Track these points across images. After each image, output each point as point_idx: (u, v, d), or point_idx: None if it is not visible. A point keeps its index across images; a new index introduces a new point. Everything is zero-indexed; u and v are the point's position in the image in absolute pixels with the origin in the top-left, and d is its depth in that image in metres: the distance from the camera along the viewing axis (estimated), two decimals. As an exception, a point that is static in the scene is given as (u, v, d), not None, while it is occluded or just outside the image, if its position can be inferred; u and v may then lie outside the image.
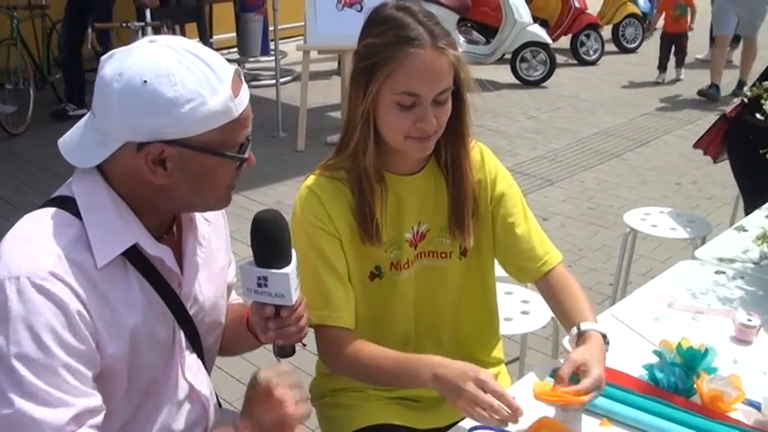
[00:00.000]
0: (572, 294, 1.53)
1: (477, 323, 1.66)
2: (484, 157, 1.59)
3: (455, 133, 1.48)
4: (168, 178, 1.13)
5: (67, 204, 1.15)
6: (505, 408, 1.21)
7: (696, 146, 3.22)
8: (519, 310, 2.25)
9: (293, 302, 1.23)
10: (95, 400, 1.09)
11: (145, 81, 1.07)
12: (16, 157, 5.19)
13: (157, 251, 1.19)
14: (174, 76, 1.07)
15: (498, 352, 1.74)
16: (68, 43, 6.04)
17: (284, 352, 1.30)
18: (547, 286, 1.58)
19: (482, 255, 1.61)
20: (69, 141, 1.17)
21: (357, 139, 1.43)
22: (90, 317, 1.10)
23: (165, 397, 1.27)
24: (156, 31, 5.85)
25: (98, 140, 1.13)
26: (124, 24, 5.54)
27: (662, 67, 7.63)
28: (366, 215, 1.46)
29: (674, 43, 7.50)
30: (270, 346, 1.35)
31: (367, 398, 1.61)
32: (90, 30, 5.70)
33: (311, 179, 1.50)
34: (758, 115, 1.83)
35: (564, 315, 1.51)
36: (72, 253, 1.10)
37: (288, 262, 1.22)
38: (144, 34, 5.63)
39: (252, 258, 1.23)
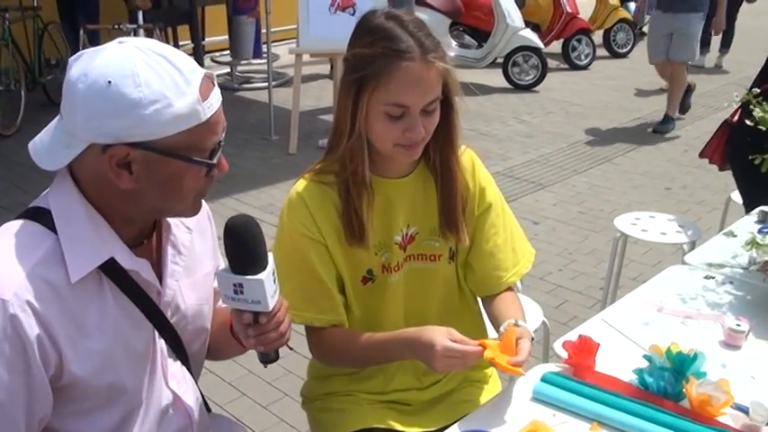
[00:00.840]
0: (507, 304, 1.59)
1: (466, 326, 1.67)
2: (475, 165, 1.61)
3: (444, 138, 1.50)
4: (134, 183, 1.11)
5: (42, 216, 1.14)
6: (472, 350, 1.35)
7: (702, 155, 3.17)
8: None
9: (270, 309, 1.20)
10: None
11: (109, 82, 1.05)
12: (6, 158, 5.17)
13: (133, 264, 1.18)
14: (138, 77, 1.05)
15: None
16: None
17: (267, 358, 1.28)
18: (487, 304, 1.63)
19: (458, 256, 1.63)
20: (39, 144, 1.14)
21: (345, 146, 1.44)
22: (51, 341, 1.09)
23: (149, 407, 1.26)
24: (149, 33, 5.85)
25: (65, 142, 1.10)
26: (116, 26, 5.54)
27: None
28: (352, 219, 1.47)
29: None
30: (262, 367, 1.33)
31: (358, 401, 1.62)
32: (81, 31, 5.69)
33: (300, 184, 1.52)
34: (748, 122, 1.85)
35: (494, 317, 1.58)
36: (43, 270, 1.09)
37: (263, 267, 1.18)
38: (136, 36, 5.63)
39: (227, 265, 1.19)
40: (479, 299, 1.68)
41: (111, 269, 1.15)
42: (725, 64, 8.55)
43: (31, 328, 1.06)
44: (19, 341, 1.06)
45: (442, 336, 1.37)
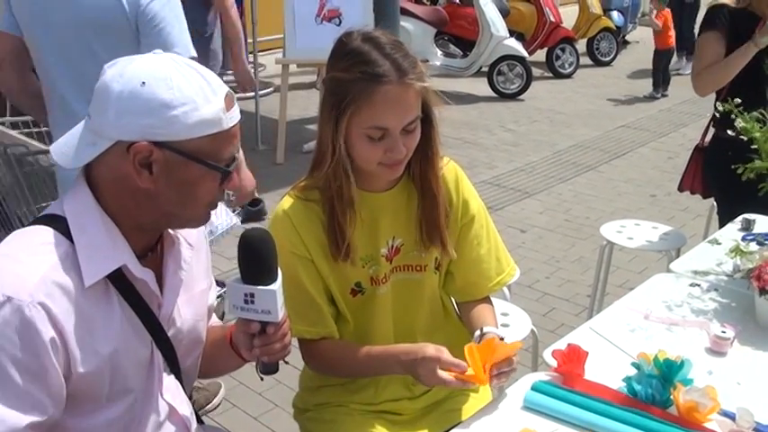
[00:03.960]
0: (481, 310, 1.66)
1: (454, 336, 1.69)
2: (458, 177, 1.64)
3: (424, 152, 1.52)
4: (153, 183, 1.15)
5: (57, 223, 1.17)
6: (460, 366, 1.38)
7: (681, 188, 3.12)
8: (499, 322, 2.26)
9: (279, 319, 1.25)
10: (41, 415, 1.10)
11: (143, 83, 1.11)
12: None
13: (142, 274, 1.20)
14: (171, 80, 1.12)
15: None
16: None
17: (268, 369, 1.31)
18: (463, 308, 1.70)
19: (442, 266, 1.66)
20: (63, 144, 1.20)
21: (328, 166, 1.46)
22: (63, 342, 1.11)
23: (147, 418, 1.27)
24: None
25: (90, 140, 1.15)
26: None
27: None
28: (336, 234, 1.49)
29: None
30: (252, 365, 1.35)
31: (350, 412, 1.62)
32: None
33: (285, 201, 1.54)
34: (729, 132, 1.88)
35: (469, 323, 1.65)
36: (57, 274, 1.11)
37: (274, 279, 1.23)
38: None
39: (239, 275, 1.23)
40: (455, 303, 1.73)
41: (118, 279, 1.18)
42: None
43: (46, 330, 1.08)
44: (33, 343, 1.08)
45: (432, 349, 1.42)
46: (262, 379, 1.33)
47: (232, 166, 1.21)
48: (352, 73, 1.38)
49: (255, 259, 1.23)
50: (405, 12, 6.92)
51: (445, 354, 1.41)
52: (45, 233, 1.16)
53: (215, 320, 1.55)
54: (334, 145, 1.43)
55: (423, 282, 1.62)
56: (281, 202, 1.54)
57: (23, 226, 1.21)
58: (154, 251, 1.27)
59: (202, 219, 1.26)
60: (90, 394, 1.18)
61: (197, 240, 1.37)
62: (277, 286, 1.23)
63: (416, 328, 1.65)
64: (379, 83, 1.37)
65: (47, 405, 1.11)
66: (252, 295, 1.22)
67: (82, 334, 1.13)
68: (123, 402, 1.23)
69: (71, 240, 1.15)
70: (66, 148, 1.18)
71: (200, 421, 1.52)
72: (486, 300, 1.70)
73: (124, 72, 1.13)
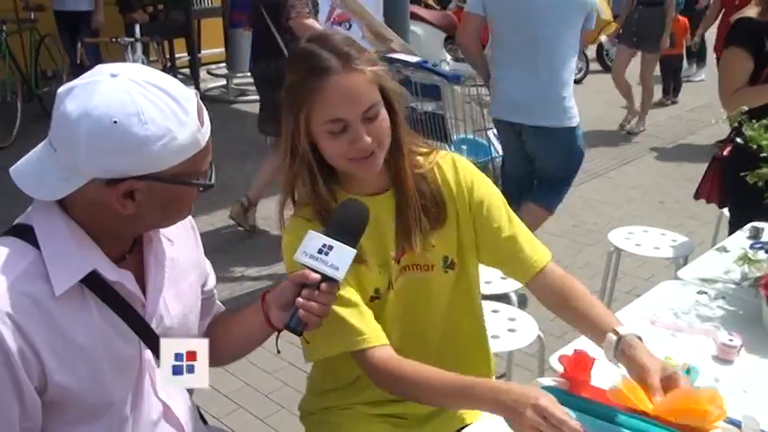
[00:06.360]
0: (582, 297, 1.52)
1: (464, 339, 1.67)
2: (456, 165, 1.58)
3: (393, 144, 1.47)
4: (137, 208, 1.14)
5: (25, 233, 1.16)
6: None
7: (697, 197, 3.12)
8: (506, 327, 2.28)
9: (341, 278, 1.30)
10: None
11: (115, 121, 1.06)
12: (3, 170, 5.16)
13: (117, 276, 1.20)
14: (143, 114, 1.07)
15: (487, 369, 1.74)
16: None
17: (296, 327, 1.30)
18: (540, 286, 1.57)
19: (467, 267, 1.61)
20: (27, 172, 1.16)
21: (290, 166, 1.45)
22: (34, 352, 1.11)
23: (139, 418, 1.27)
24: (146, 46, 5.87)
25: (62, 175, 1.11)
26: (114, 40, 5.56)
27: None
28: None
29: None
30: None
31: (356, 415, 1.63)
32: (79, 44, 5.72)
33: (292, 228, 1.50)
34: (738, 140, 1.88)
35: (583, 320, 1.49)
36: (25, 284, 1.11)
37: (354, 247, 1.30)
38: (133, 50, 5.65)
39: (324, 230, 1.32)
40: (547, 302, 1.58)
41: (93, 282, 1.17)
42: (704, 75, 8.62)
43: (12, 341, 1.08)
44: (2, 353, 1.08)
45: (547, 399, 1.23)
46: (278, 351, 1.37)
47: (211, 173, 1.21)
48: (299, 73, 1.38)
49: (351, 218, 1.32)
50: (414, 16, 6.92)
51: (558, 410, 1.20)
52: (12, 243, 1.15)
53: (220, 307, 1.57)
54: (294, 144, 1.41)
55: (430, 282, 1.57)
56: (287, 231, 1.50)
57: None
58: (132, 251, 1.27)
59: (185, 216, 1.29)
60: (71, 400, 1.18)
61: (177, 236, 1.35)
62: (355, 252, 1.29)
63: (425, 331, 1.61)
64: (322, 74, 1.35)
65: (16, 415, 1.11)
66: (330, 248, 1.28)
67: (55, 342, 1.13)
68: (106, 418, 1.22)
69: (39, 249, 1.14)
70: (33, 178, 1.15)
71: (204, 422, 1.53)
72: (564, 279, 1.56)
73: (88, 108, 1.06)
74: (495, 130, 4.15)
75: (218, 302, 1.57)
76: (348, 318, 1.44)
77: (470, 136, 4.42)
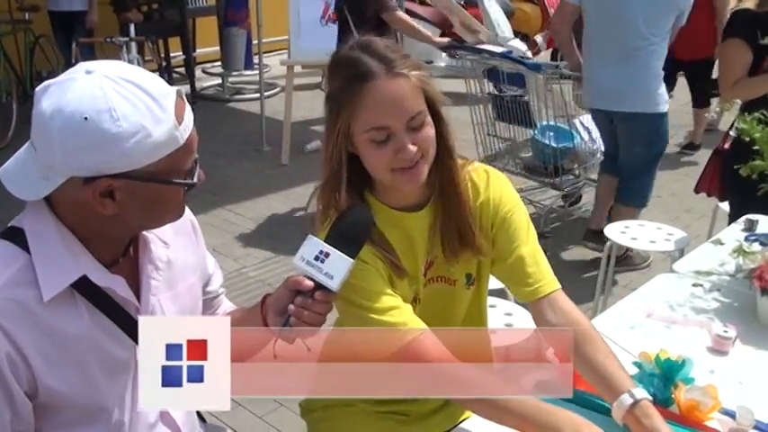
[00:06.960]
0: (592, 341, 1.42)
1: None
2: (489, 177, 1.51)
3: (439, 152, 1.40)
4: (118, 208, 1.12)
5: (17, 236, 1.15)
6: None
7: (697, 190, 3.16)
8: (503, 322, 2.28)
9: (336, 288, 1.23)
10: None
11: (85, 118, 1.04)
12: (-2, 171, 5.16)
13: (107, 282, 1.18)
14: (115, 111, 1.05)
15: None
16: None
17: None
18: (541, 313, 1.48)
19: (482, 280, 1.57)
20: (12, 172, 1.15)
21: (334, 178, 1.38)
22: (22, 357, 1.11)
23: (135, 422, 1.26)
24: (141, 45, 5.86)
25: (42, 174, 1.10)
26: (108, 40, 5.55)
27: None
28: (387, 250, 1.42)
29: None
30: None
31: (357, 412, 1.63)
32: (74, 44, 5.71)
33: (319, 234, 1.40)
34: (731, 132, 1.89)
35: (593, 370, 1.38)
36: (13, 289, 1.10)
37: (353, 256, 1.25)
38: (128, 49, 5.65)
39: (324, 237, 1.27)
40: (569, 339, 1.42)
41: (84, 287, 1.16)
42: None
43: (1, 345, 1.08)
44: None
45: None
46: (275, 357, 1.31)
47: (195, 172, 1.18)
48: (341, 80, 1.34)
49: (353, 226, 1.28)
50: (409, 13, 6.90)
51: None
52: (3, 247, 1.14)
53: (229, 305, 1.54)
54: (334, 153, 1.36)
55: (454, 295, 1.53)
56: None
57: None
58: (126, 255, 1.25)
59: (177, 216, 1.25)
60: (64, 404, 1.17)
61: (174, 238, 1.33)
62: (352, 262, 1.24)
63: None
64: (365, 80, 1.30)
65: (8, 418, 1.11)
66: (327, 255, 1.23)
67: (44, 347, 1.12)
68: (102, 421, 1.22)
69: (30, 253, 1.13)
70: (17, 178, 1.14)
71: (203, 420, 1.53)
72: (572, 316, 1.47)
73: (61, 105, 1.05)
74: (581, 119, 4.37)
75: (226, 301, 1.55)
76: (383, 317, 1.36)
77: (554, 123, 4.50)
